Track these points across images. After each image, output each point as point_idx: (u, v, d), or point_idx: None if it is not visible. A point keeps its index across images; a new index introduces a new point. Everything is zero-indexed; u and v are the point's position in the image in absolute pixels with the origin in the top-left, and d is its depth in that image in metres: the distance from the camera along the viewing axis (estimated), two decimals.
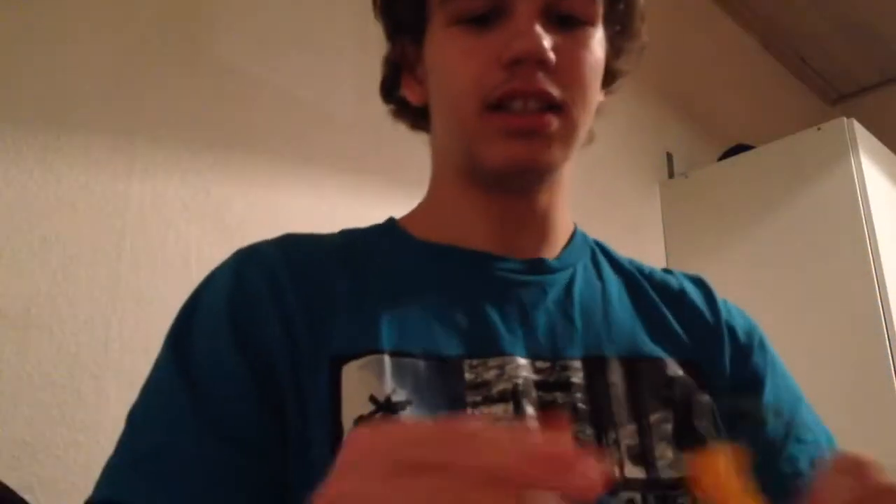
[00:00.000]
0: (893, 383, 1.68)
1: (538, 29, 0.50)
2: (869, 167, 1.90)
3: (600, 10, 0.55)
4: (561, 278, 0.58)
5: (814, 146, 1.98)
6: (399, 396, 0.48)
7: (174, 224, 1.22)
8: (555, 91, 0.51)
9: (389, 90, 0.64)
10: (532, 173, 0.55)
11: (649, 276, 0.63)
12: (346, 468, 0.27)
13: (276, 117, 1.40)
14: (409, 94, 0.62)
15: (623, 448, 0.50)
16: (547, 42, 0.50)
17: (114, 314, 1.11)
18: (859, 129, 1.94)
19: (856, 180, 1.87)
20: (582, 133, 0.55)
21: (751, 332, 0.62)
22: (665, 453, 0.51)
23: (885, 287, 1.74)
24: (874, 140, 2.02)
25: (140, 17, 1.26)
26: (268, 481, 0.47)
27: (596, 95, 0.56)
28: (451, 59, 0.54)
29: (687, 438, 0.52)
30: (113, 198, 1.16)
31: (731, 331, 0.61)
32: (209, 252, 1.25)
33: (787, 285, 1.91)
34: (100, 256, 1.12)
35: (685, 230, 2.21)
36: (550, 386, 0.52)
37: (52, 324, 1.05)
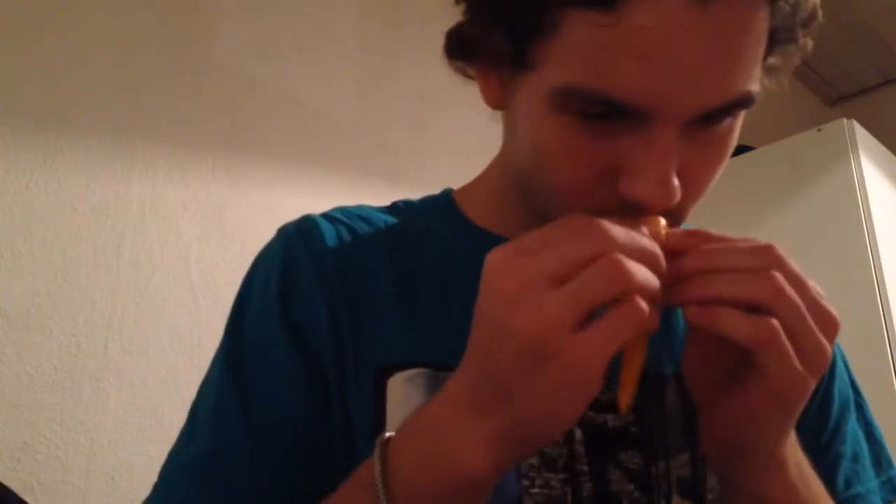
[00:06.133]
0: (893, 383, 1.68)
1: (673, 176, 0.39)
2: (869, 168, 1.90)
3: (755, 90, 0.41)
4: None
5: (814, 147, 1.98)
6: None
7: (174, 225, 1.22)
8: (671, 218, 0.42)
9: (454, 56, 0.50)
10: None
11: None
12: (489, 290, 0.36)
13: (276, 117, 1.40)
14: (484, 88, 0.48)
15: (673, 479, 0.47)
16: (677, 180, 0.39)
17: (114, 314, 1.11)
18: (859, 130, 1.94)
19: (856, 181, 1.86)
20: None
21: None
22: (716, 485, 0.48)
23: (885, 287, 1.74)
24: (874, 141, 2.02)
25: (140, 17, 1.26)
26: (317, 477, 0.46)
27: None
28: (552, 151, 0.42)
29: None
30: (113, 199, 1.16)
31: None
32: (209, 252, 1.25)
33: None
34: (100, 257, 1.12)
35: None
36: (601, 406, 0.48)
37: (52, 324, 1.05)
